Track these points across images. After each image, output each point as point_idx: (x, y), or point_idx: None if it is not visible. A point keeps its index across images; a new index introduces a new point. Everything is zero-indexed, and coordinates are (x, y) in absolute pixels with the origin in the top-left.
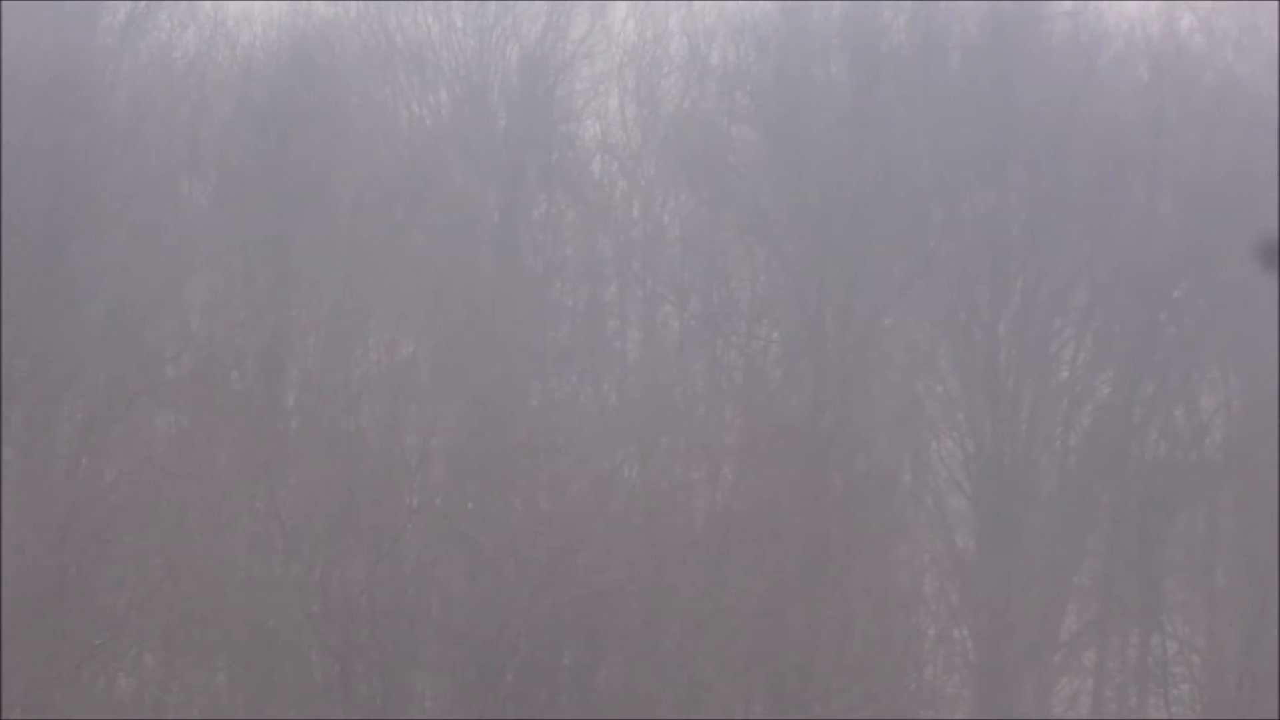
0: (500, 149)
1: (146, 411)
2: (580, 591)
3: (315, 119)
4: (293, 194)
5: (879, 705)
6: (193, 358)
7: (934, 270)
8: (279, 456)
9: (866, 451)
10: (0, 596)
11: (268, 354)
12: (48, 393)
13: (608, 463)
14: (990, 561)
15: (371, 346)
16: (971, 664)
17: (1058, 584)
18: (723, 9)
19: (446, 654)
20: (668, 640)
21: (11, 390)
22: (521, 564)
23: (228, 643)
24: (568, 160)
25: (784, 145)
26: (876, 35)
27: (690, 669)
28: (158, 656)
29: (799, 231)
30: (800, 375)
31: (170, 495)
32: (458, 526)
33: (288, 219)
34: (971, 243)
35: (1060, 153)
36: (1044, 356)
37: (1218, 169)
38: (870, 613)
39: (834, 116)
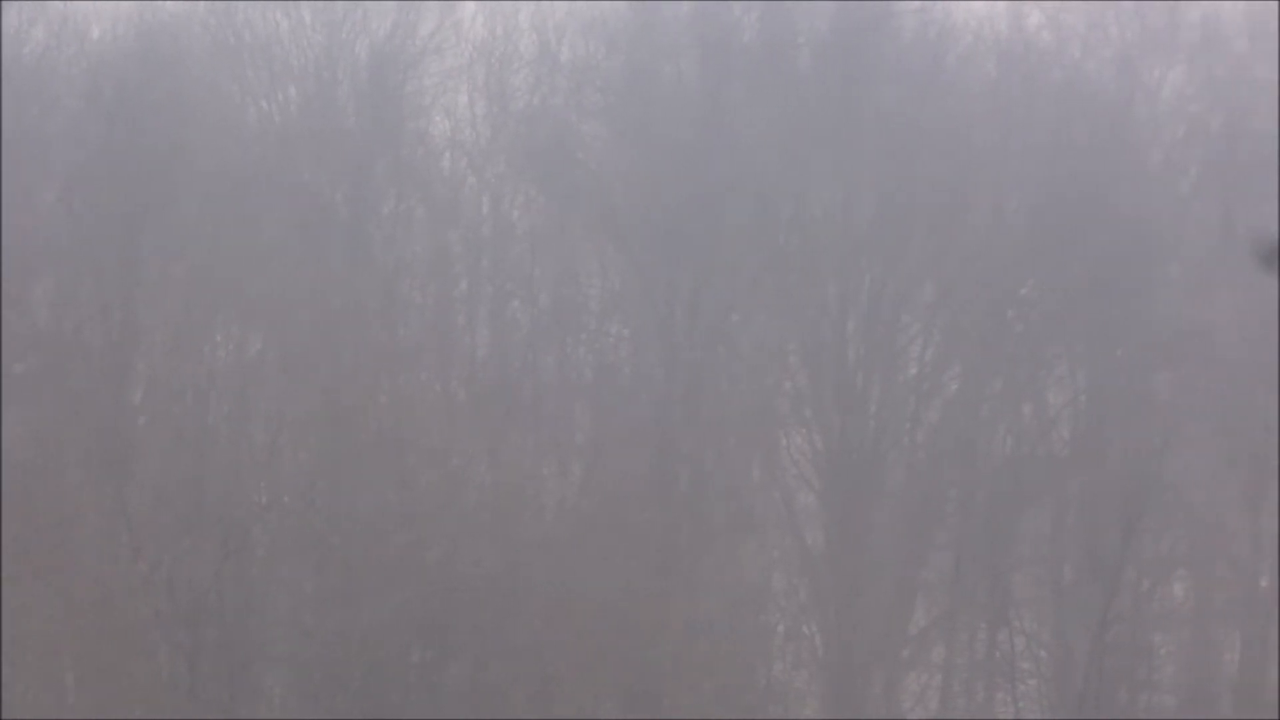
0: (349, 145)
1: None
2: (429, 588)
3: (163, 115)
4: (140, 190)
5: (728, 701)
6: (40, 355)
7: (782, 267)
8: (127, 453)
9: (715, 447)
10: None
11: (115, 350)
12: None
13: (457, 459)
14: (839, 557)
15: (220, 342)
16: (820, 660)
17: (906, 580)
18: (573, 6)
19: (295, 651)
20: (517, 637)
21: None
22: (370, 560)
23: (75, 640)
24: (417, 157)
25: (634, 142)
26: (726, 33)
27: (540, 665)
28: (3, 654)
29: (648, 228)
30: (649, 372)
31: (17, 492)
32: (306, 523)
33: (135, 215)
34: (820, 240)
35: (908, 150)
36: (892, 353)
37: (1064, 166)
38: (719, 609)
39: (684, 113)
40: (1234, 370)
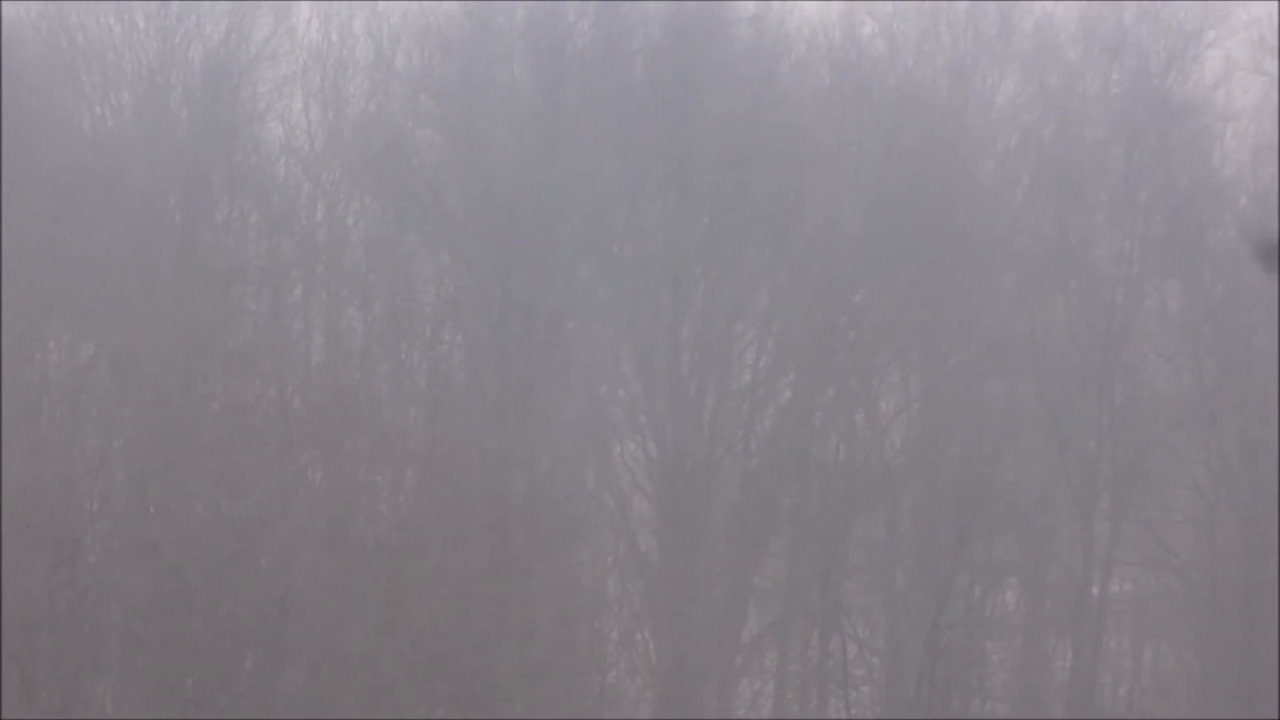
0: (183, 151)
1: None
2: (263, 595)
3: None
4: None
5: (562, 708)
6: None
7: (616, 274)
8: None
9: (550, 454)
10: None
11: None
12: None
13: (291, 466)
14: (672, 564)
15: (52, 349)
16: (654, 666)
17: (739, 586)
18: (407, 11)
19: (128, 659)
20: (351, 644)
21: None
22: (203, 568)
23: None
24: (251, 163)
25: (468, 148)
26: (560, 39)
27: (374, 673)
28: None
29: (483, 235)
30: (484, 379)
31: None
32: (139, 531)
33: None
34: (654, 247)
35: (742, 157)
36: (726, 360)
37: (898, 174)
38: (554, 616)
39: (518, 120)
40: (1064, 378)
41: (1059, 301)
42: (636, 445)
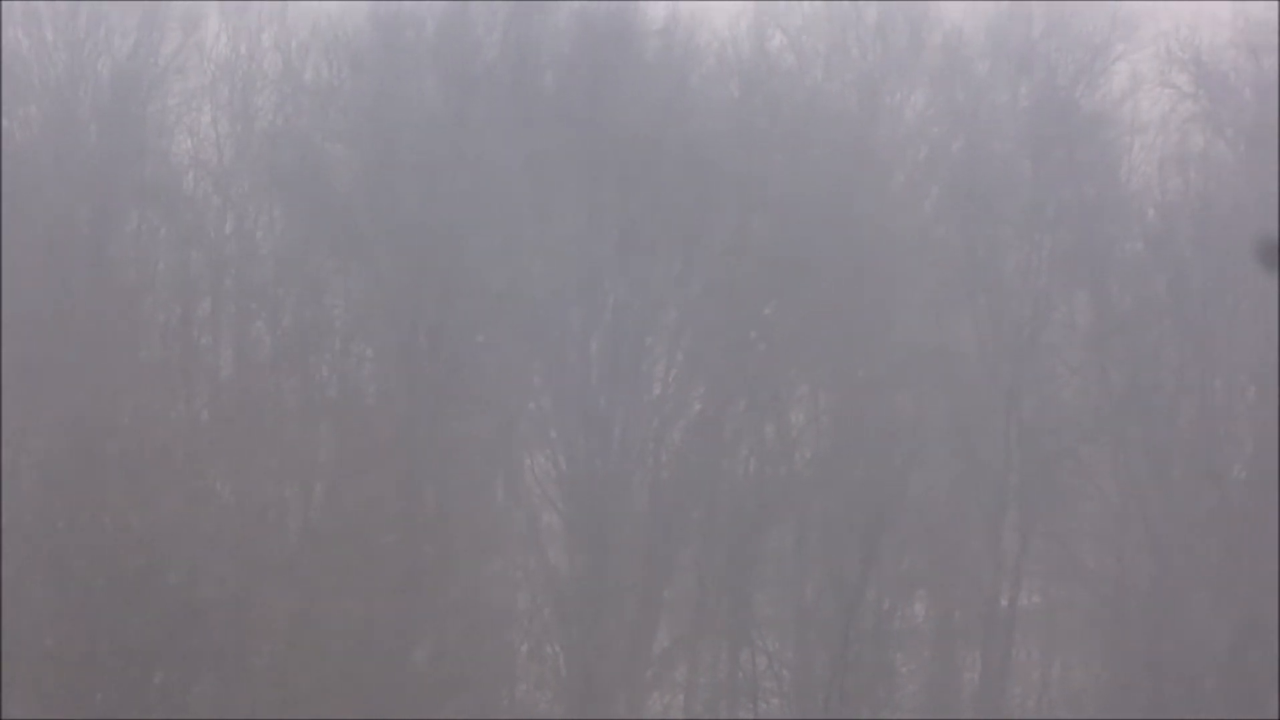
0: (92, 164)
1: None
2: (171, 609)
3: None
4: None
5: None
6: None
7: (526, 288)
8: None
9: (459, 469)
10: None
11: None
12: None
13: (200, 480)
14: (582, 578)
15: None
16: (563, 680)
17: (649, 600)
18: (316, 25)
19: (35, 673)
20: (260, 658)
21: None
22: (111, 582)
23: None
24: (160, 176)
25: (378, 162)
26: (469, 52)
27: (283, 687)
28: None
29: (393, 248)
30: (394, 392)
31: None
32: (47, 544)
33: None
34: (564, 261)
35: (651, 171)
36: (636, 374)
37: (807, 188)
38: (463, 629)
39: (427, 133)
40: (973, 391)
41: (967, 314)
42: (546, 459)
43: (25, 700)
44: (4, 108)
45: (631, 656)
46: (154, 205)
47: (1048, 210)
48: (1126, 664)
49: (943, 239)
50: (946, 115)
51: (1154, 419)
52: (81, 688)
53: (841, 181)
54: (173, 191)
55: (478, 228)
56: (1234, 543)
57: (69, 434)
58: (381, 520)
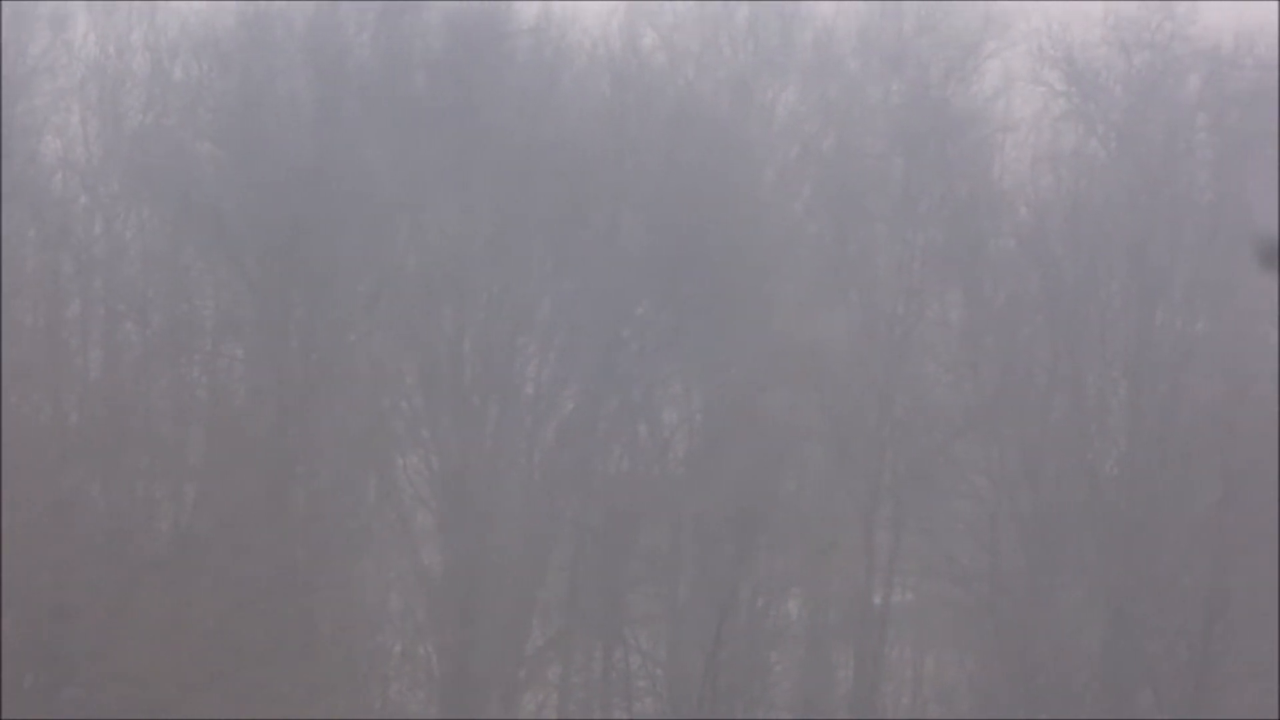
0: None
1: None
2: (42, 612)
3: None
4: None
5: None
6: None
7: (398, 287)
8: None
9: (332, 468)
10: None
11: None
12: None
13: (69, 480)
14: (455, 577)
15: None
16: (436, 680)
17: (522, 599)
18: (185, 23)
19: None
20: (130, 660)
21: None
22: None
23: None
24: (28, 176)
25: (248, 161)
26: (340, 51)
27: (154, 689)
28: None
29: (263, 248)
30: (265, 392)
31: None
32: None
33: None
34: (436, 259)
35: (524, 169)
36: (509, 373)
37: (679, 186)
38: (335, 630)
39: (298, 132)
40: (846, 388)
41: (840, 311)
42: (419, 458)
43: None
44: None
45: (505, 656)
46: (21, 206)
47: (920, 207)
48: (999, 660)
49: (815, 236)
50: (818, 113)
51: (1026, 416)
52: None
53: (714, 179)
54: (40, 192)
55: (348, 227)
56: (1106, 539)
57: None
58: (252, 520)
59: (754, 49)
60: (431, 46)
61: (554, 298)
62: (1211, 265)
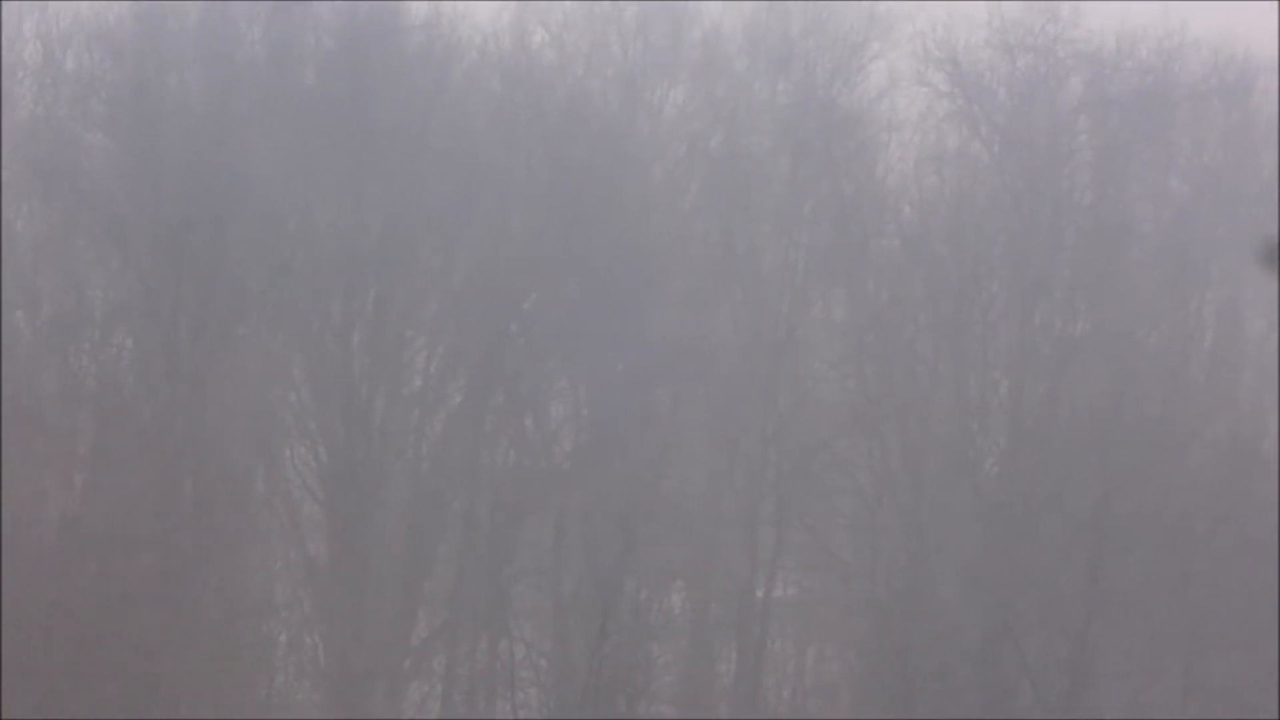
0: None
1: None
2: None
3: None
4: None
5: (230, 712)
6: None
7: (288, 280)
8: None
9: (220, 459)
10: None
11: None
12: None
13: None
14: (342, 569)
15: None
16: (322, 670)
17: (409, 591)
18: (77, 14)
19: None
20: (18, 649)
21: None
22: None
23: None
24: None
25: (139, 153)
26: (231, 45)
27: (40, 679)
28: None
29: (154, 239)
30: (154, 383)
31: None
32: None
33: None
34: (325, 253)
35: (413, 165)
36: (397, 366)
37: (568, 182)
38: (221, 620)
39: (189, 125)
40: (731, 385)
41: (726, 309)
42: (307, 450)
43: None
44: None
45: (390, 647)
46: None
47: (805, 207)
48: (879, 655)
49: (702, 234)
50: (706, 111)
51: (908, 414)
52: None
53: (602, 177)
54: None
55: (239, 219)
56: (986, 537)
57: None
58: (141, 510)
59: (643, 48)
60: (323, 42)
61: (442, 292)
62: (1091, 267)
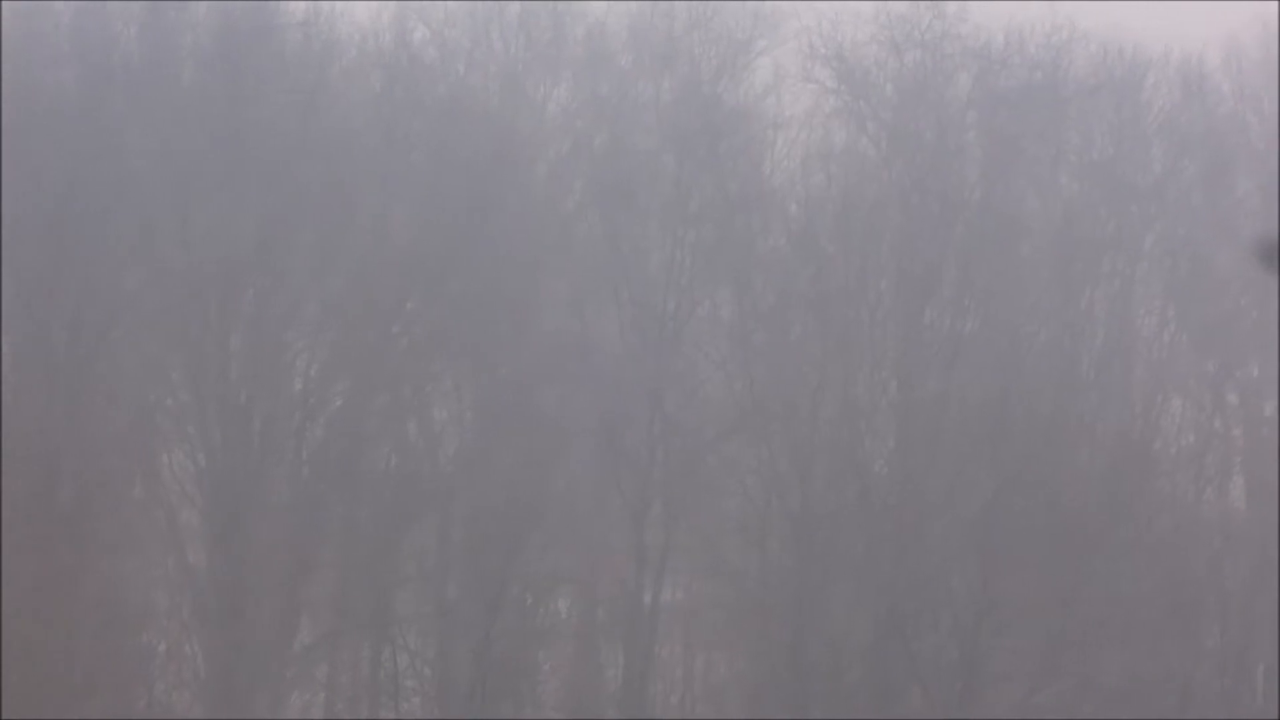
0: None
1: None
2: None
3: None
4: None
5: None
6: None
7: (165, 282)
8: None
9: (97, 464)
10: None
11: None
12: None
13: None
14: (222, 576)
15: None
16: (202, 680)
17: (290, 597)
18: None
19: None
20: None
21: None
22: None
23: None
24: None
25: (13, 152)
26: (108, 44)
27: None
28: None
29: (29, 240)
30: (30, 386)
31: None
32: None
33: None
34: (203, 255)
35: (292, 164)
36: (277, 369)
37: (450, 181)
38: (99, 628)
39: (65, 124)
40: (617, 386)
41: (611, 309)
42: (185, 455)
43: None
44: None
45: (272, 655)
46: None
47: (691, 205)
48: (769, 658)
49: (586, 233)
50: (590, 109)
51: (796, 414)
52: None
53: (484, 175)
54: None
55: (115, 220)
56: (875, 538)
57: None
58: (18, 516)
59: (525, 44)
60: (200, 40)
61: (323, 293)
62: (980, 264)
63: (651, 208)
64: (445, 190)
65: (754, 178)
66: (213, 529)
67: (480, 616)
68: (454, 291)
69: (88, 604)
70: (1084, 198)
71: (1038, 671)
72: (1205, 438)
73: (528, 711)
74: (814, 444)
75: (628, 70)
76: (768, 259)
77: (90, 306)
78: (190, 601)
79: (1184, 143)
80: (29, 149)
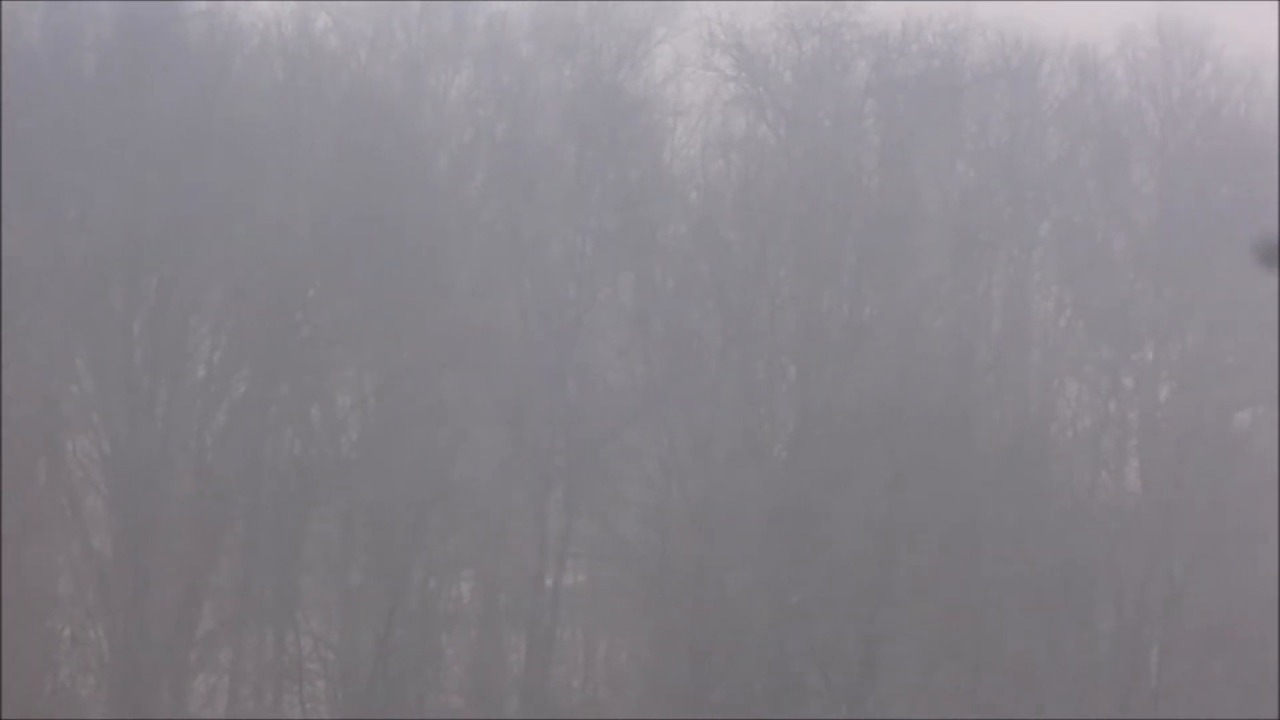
0: None
1: None
2: None
3: None
4: None
5: (13, 709)
6: None
7: (68, 269)
8: None
9: (1, 451)
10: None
11: None
12: None
13: None
14: (126, 561)
15: None
16: (106, 665)
17: (194, 583)
18: None
19: None
20: None
21: None
22: None
23: None
24: None
25: None
26: (9, 34)
27: None
28: None
29: None
30: None
31: None
32: None
33: None
34: (106, 242)
35: (195, 152)
36: (180, 355)
37: (352, 170)
38: (3, 614)
39: None
40: (519, 373)
41: (513, 296)
42: (89, 442)
43: None
44: None
45: (176, 640)
46: None
47: (592, 193)
48: (669, 643)
49: (488, 222)
50: (491, 97)
51: (696, 399)
52: None
53: (386, 164)
54: None
55: (18, 208)
56: (775, 523)
57: None
58: None
59: (427, 33)
60: (102, 28)
61: (225, 280)
62: (879, 251)
63: (553, 196)
64: (347, 179)
65: (654, 166)
66: (117, 515)
67: (383, 601)
68: (356, 280)
69: None
70: (981, 185)
71: (935, 653)
72: (1101, 421)
73: (430, 695)
74: (713, 430)
75: (529, 60)
76: (668, 247)
77: None
78: (94, 587)
79: (1079, 130)
80: None
